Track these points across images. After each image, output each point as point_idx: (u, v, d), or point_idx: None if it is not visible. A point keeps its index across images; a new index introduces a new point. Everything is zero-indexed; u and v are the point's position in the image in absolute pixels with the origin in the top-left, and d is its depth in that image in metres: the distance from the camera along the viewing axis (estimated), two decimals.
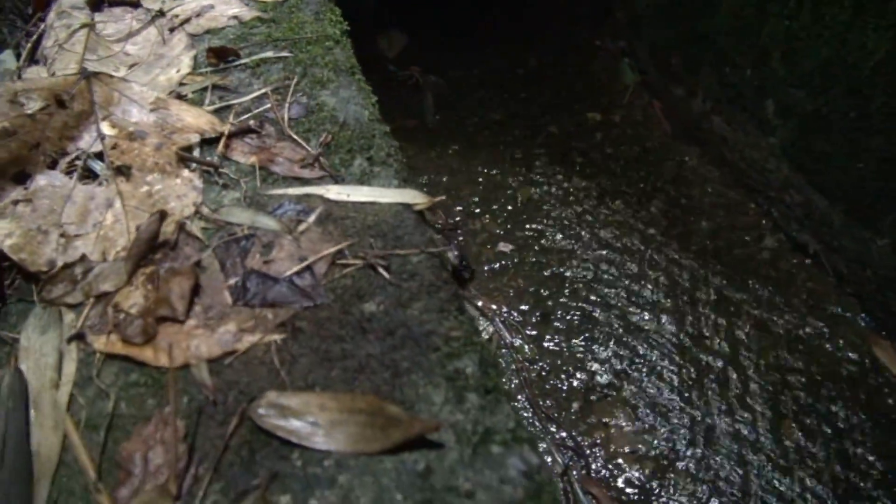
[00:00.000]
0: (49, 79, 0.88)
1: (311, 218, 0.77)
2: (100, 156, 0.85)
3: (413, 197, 0.77)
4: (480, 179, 2.32)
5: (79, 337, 0.71)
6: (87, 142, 0.86)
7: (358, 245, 0.74)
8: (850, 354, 1.74)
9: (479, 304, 2.00)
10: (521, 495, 0.56)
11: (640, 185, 2.22)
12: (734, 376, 1.75)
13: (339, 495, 0.57)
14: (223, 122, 0.89)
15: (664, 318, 1.89)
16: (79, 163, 0.84)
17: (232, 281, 0.73)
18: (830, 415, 1.65)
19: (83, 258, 0.76)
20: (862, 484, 1.53)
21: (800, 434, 1.63)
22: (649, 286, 1.95)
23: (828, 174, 1.80)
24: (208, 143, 0.88)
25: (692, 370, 1.77)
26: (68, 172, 0.83)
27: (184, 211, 0.80)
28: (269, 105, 0.91)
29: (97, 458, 0.63)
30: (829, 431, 1.63)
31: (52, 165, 0.84)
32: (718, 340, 1.83)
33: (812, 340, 1.78)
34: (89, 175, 0.84)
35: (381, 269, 0.71)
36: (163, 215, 0.76)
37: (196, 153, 0.86)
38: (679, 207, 2.14)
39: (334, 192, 0.79)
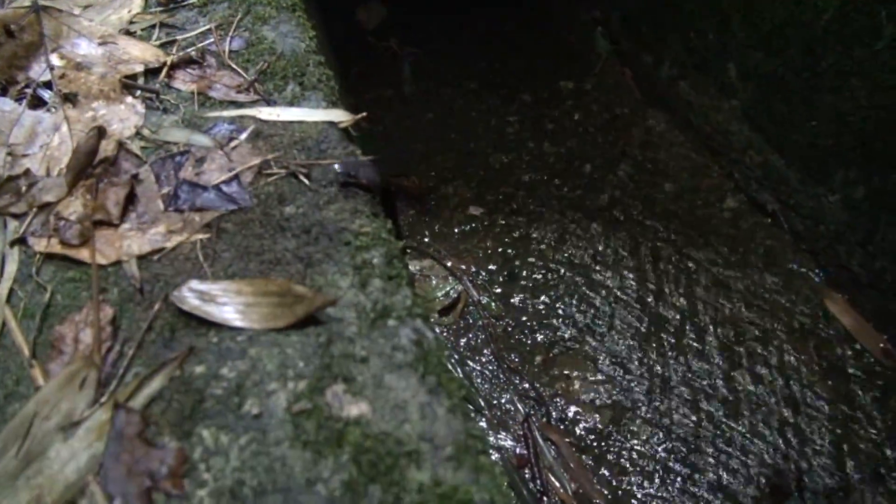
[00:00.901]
0: None
1: (243, 135, 0.82)
2: (48, 85, 0.90)
3: (338, 115, 0.82)
4: (454, 146, 2.36)
5: (21, 241, 0.77)
6: (36, 71, 0.91)
7: (284, 157, 0.79)
8: (804, 308, 1.80)
9: (449, 264, 2.05)
10: (410, 359, 0.61)
11: (609, 149, 2.26)
12: (691, 330, 1.80)
13: (248, 364, 0.63)
14: (167, 54, 0.94)
15: (627, 276, 1.94)
16: (28, 91, 0.89)
17: (165, 190, 0.78)
18: (782, 364, 1.71)
19: (27, 172, 0.81)
20: (808, 426, 1.59)
21: (751, 382, 1.69)
22: (613, 246, 2.00)
23: (785, 134, 1.84)
24: (152, 73, 0.93)
25: (651, 325, 1.82)
26: (18, 99, 0.89)
27: (125, 132, 0.85)
28: (212, 39, 0.96)
29: (32, 341, 0.68)
30: (780, 380, 1.69)
31: (2, 92, 0.89)
32: (678, 297, 1.88)
33: (767, 295, 1.84)
34: (38, 102, 0.89)
35: (302, 177, 0.76)
36: (101, 131, 0.81)
37: (140, 82, 0.91)
38: (645, 171, 2.19)
39: (266, 113, 0.84)
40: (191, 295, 0.67)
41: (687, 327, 1.81)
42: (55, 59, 0.92)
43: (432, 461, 0.55)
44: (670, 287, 1.90)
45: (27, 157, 0.84)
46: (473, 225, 2.13)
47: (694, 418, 1.66)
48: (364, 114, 0.79)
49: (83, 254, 0.74)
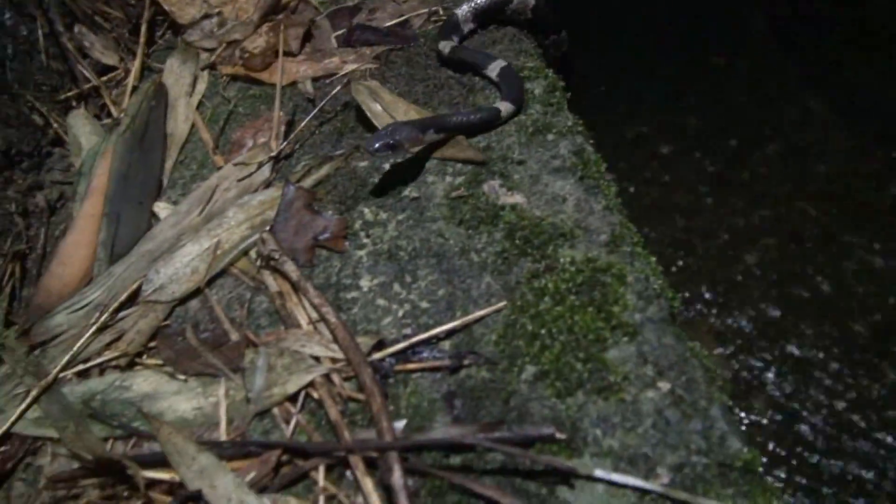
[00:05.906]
0: None
1: None
2: None
3: None
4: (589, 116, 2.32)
5: (211, 66, 0.85)
6: None
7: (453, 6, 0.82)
8: None
9: None
10: (568, 164, 0.62)
11: (758, 127, 2.13)
12: (834, 314, 1.65)
13: (410, 161, 0.66)
14: None
15: (766, 254, 1.81)
16: None
17: (339, 32, 0.84)
18: None
19: (220, 13, 0.89)
20: None
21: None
22: (754, 220, 1.88)
23: None
24: None
25: (789, 306, 1.69)
26: None
27: None
28: None
29: (216, 137, 0.76)
30: None
31: None
32: (821, 279, 1.74)
33: None
34: None
35: None
36: None
37: None
38: (797, 151, 2.04)
39: None
40: (366, 93, 0.71)
41: (828, 312, 1.66)
42: None
43: (587, 243, 0.55)
44: (813, 268, 1.76)
45: (219, 5, 0.92)
46: None
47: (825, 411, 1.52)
48: None
49: (264, 76, 0.81)
